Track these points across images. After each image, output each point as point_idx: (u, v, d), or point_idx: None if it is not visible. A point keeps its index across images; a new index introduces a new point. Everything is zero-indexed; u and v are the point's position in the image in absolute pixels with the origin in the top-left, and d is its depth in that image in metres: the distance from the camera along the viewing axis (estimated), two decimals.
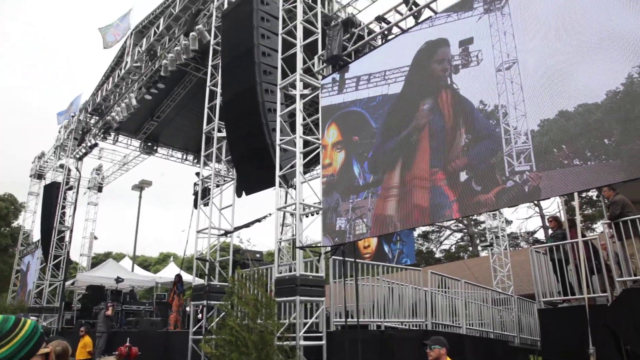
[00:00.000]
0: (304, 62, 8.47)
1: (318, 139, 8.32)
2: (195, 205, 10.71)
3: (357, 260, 8.06)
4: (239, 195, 9.74)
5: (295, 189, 7.89)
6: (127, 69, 15.05)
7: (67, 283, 18.68)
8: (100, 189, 22.67)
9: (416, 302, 8.75)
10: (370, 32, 8.94)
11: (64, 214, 17.85)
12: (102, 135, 17.96)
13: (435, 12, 7.36)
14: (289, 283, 7.11)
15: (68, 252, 17.83)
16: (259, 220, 10.18)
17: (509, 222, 28.54)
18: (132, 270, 22.66)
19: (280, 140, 8.18)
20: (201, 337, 7.90)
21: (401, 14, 8.12)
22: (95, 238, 22.96)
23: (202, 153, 10.62)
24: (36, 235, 20.60)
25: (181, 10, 12.74)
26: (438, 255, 34.87)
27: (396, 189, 7.00)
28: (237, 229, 10.27)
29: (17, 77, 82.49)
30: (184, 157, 21.49)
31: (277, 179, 8.04)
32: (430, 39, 7.08)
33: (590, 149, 5.07)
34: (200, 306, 9.32)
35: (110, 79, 16.42)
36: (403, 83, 7.37)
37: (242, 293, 7.05)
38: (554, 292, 7.45)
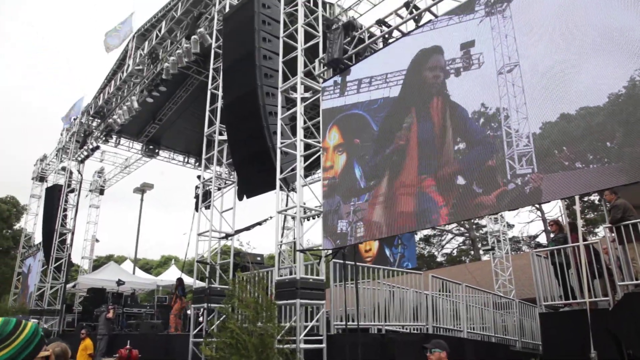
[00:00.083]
0: (305, 66, 8.49)
1: (319, 142, 8.33)
2: (197, 208, 10.72)
3: (358, 263, 8.04)
4: (240, 199, 9.74)
5: (296, 192, 7.89)
6: (129, 72, 15.10)
7: (69, 286, 18.67)
8: (101, 192, 22.72)
9: (417, 305, 8.73)
10: (371, 35, 8.96)
11: (65, 216, 17.88)
12: (103, 138, 18.01)
13: (436, 16, 7.37)
14: (290, 286, 7.10)
15: (69, 255, 17.84)
16: (259, 224, 10.18)
17: (510, 226, 28.45)
18: (134, 273, 22.66)
19: (281, 143, 8.19)
20: (202, 339, 7.89)
21: (401, 18, 8.14)
22: (97, 241, 23.01)
23: (203, 156, 10.63)
24: (38, 238, 20.63)
25: (183, 13, 12.78)
26: (440, 259, 34.78)
27: (383, 196, 7.09)
28: (237, 232, 10.26)
29: (17, 77, 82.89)
30: (186, 160, 21.50)
31: (278, 182, 8.05)
32: (425, 47, 7.12)
33: (592, 151, 5.05)
34: (201, 309, 9.31)
35: (112, 82, 16.47)
36: (400, 87, 7.41)
37: (243, 296, 7.04)
38: (555, 296, 7.42)
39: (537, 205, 25.97)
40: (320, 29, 8.75)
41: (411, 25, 7.91)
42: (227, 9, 10.64)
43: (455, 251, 34.58)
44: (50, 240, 17.43)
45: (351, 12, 10.01)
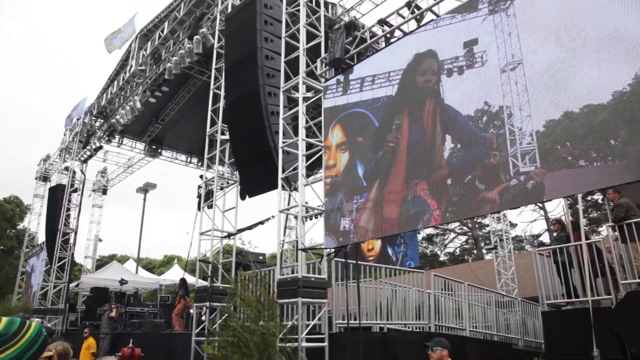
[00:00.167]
0: (307, 66, 8.50)
1: (321, 141, 8.34)
2: (199, 208, 10.76)
3: (359, 262, 8.06)
4: (243, 198, 9.77)
5: (298, 191, 7.91)
6: (132, 72, 15.14)
7: (72, 285, 18.77)
8: (104, 192, 22.81)
9: (420, 304, 8.73)
10: (373, 35, 8.96)
11: (68, 216, 17.95)
12: (106, 138, 18.08)
13: (438, 15, 7.37)
14: (291, 285, 7.11)
15: (72, 254, 17.92)
16: (261, 223, 10.20)
17: (513, 225, 28.43)
18: (136, 273, 22.74)
19: (283, 142, 8.20)
20: (204, 338, 7.91)
21: (403, 17, 8.14)
22: (100, 240, 23.10)
23: (206, 155, 10.66)
24: (41, 237, 20.74)
25: (186, 14, 12.81)
26: (442, 258, 34.75)
27: (372, 201, 7.22)
28: (240, 231, 10.29)
29: (17, 77, 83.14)
30: (188, 159, 21.56)
31: (280, 182, 8.07)
32: (419, 51, 7.18)
33: (596, 149, 5.02)
34: (204, 308, 9.34)
35: (115, 82, 16.53)
36: (397, 88, 7.47)
37: (245, 295, 7.06)
38: (558, 295, 7.40)
39: (540, 204, 25.91)
40: (322, 29, 8.76)
41: (413, 24, 7.91)
42: (230, 10, 10.67)
43: (458, 250, 34.54)
44: (53, 239, 17.51)
45: (353, 12, 10.01)
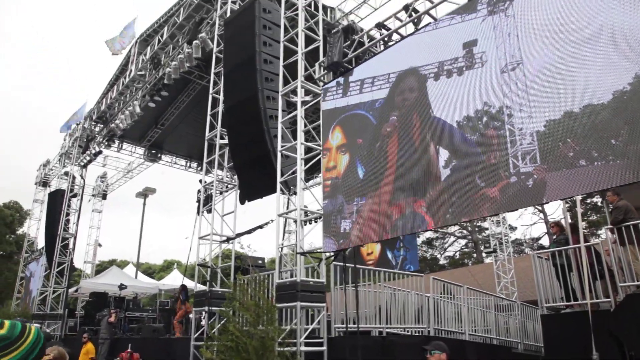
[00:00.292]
0: (306, 69, 8.53)
1: (319, 145, 8.35)
2: (199, 212, 10.75)
3: (358, 266, 8.04)
4: (242, 202, 9.77)
5: (296, 195, 7.91)
6: (132, 77, 15.19)
7: (71, 290, 18.71)
8: (104, 197, 22.77)
9: (419, 308, 8.71)
10: (371, 38, 9.00)
11: (68, 221, 17.93)
12: (106, 143, 18.08)
13: (435, 19, 7.40)
14: (290, 289, 7.10)
15: (72, 259, 17.89)
16: (260, 227, 10.18)
17: (513, 229, 28.39)
18: (136, 278, 22.68)
19: (282, 146, 8.21)
20: (203, 343, 7.89)
21: (401, 21, 8.18)
22: (99, 245, 23.03)
23: (205, 160, 10.67)
24: (41, 243, 20.71)
25: (185, 19, 12.87)
26: (442, 261, 34.68)
27: (371, 204, 7.29)
28: (239, 235, 10.28)
29: (17, 77, 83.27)
30: (188, 164, 21.56)
31: (279, 186, 8.07)
32: (401, 69, 7.38)
33: (597, 149, 5.01)
34: (202, 312, 9.31)
35: (115, 87, 16.57)
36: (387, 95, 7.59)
37: (244, 299, 7.05)
38: (557, 298, 7.39)
39: (540, 207, 25.91)
40: (320, 33, 8.79)
41: (410, 28, 7.95)
42: (229, 14, 10.71)
43: (457, 254, 34.48)
44: (52, 244, 17.48)
45: (352, 16, 10.06)
